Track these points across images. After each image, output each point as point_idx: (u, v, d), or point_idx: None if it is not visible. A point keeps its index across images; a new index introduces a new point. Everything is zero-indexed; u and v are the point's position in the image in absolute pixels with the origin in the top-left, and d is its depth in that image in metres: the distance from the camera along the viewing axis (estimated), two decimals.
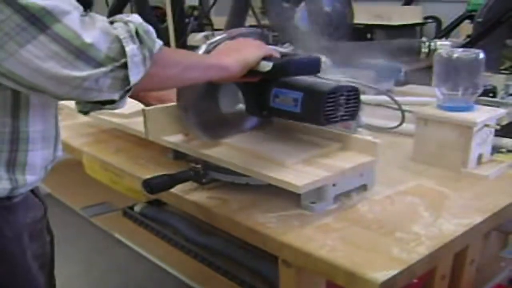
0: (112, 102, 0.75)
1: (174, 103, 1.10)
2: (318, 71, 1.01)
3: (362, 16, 3.01)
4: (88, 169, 1.40)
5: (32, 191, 0.88)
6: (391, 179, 1.11)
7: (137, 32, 0.72)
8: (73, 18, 0.66)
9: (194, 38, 2.39)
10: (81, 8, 0.69)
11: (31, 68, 0.66)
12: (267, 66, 0.93)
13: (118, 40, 0.70)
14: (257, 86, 1.00)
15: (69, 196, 2.62)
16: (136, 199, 2.14)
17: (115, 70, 0.70)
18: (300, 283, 0.93)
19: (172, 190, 1.06)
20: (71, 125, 1.58)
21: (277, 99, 1.01)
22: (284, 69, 0.95)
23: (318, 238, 0.88)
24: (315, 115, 0.97)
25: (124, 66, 0.70)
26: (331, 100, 0.96)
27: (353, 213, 0.98)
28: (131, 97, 1.37)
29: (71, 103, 1.61)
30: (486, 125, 1.15)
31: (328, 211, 0.98)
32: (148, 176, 1.04)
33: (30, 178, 0.83)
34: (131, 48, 0.71)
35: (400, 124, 1.30)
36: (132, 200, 2.22)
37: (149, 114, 1.12)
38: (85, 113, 0.88)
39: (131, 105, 1.41)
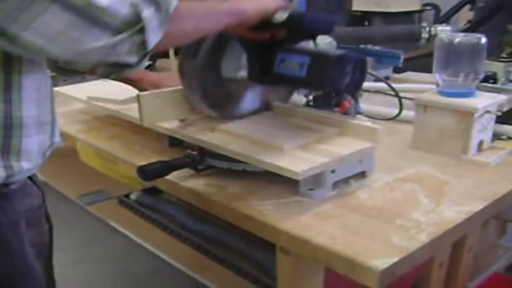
0: (130, 65, 0.74)
1: (170, 88, 1.08)
2: (331, 31, 0.99)
3: (359, 2, 2.97)
4: (82, 156, 1.38)
5: (30, 178, 0.86)
6: (391, 166, 1.09)
7: None
8: None
9: None
10: None
11: (49, 39, 0.66)
12: (282, 16, 0.91)
13: (133, 4, 0.68)
14: (263, 49, 0.98)
15: (65, 184, 2.59)
16: (132, 187, 2.13)
17: (133, 35, 0.69)
18: (298, 271, 0.92)
19: (168, 177, 1.04)
20: (65, 112, 1.56)
21: (282, 64, 0.99)
22: (300, 20, 0.93)
23: (316, 225, 0.87)
24: (321, 78, 0.95)
25: (141, 30, 0.69)
26: (338, 66, 0.95)
27: (352, 200, 0.96)
28: (124, 81, 1.34)
29: (66, 90, 1.60)
30: (487, 111, 1.13)
31: (326, 198, 0.96)
32: (143, 163, 1.02)
33: (26, 165, 0.80)
34: (147, 12, 0.69)
35: (399, 114, 1.29)
36: (128, 188, 2.20)
37: (144, 99, 1.10)
38: (107, 76, 0.87)
39: (126, 91, 1.39)
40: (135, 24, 0.68)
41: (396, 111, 1.32)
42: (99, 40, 0.67)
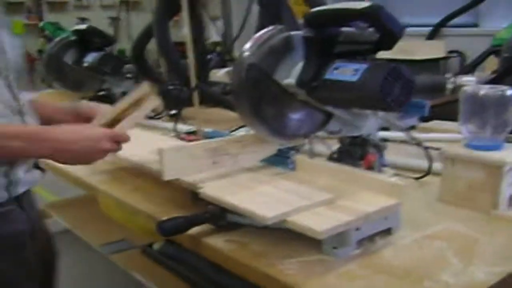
0: None
1: (191, 143, 1.07)
2: (401, 35, 1.01)
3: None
4: (103, 207, 1.38)
5: (21, 206, 0.97)
6: (418, 221, 1.06)
7: None
8: None
9: (216, 74, 2.39)
10: None
11: None
12: (362, 4, 0.97)
13: None
14: (321, 56, 1.03)
15: (88, 232, 2.59)
16: (152, 238, 2.11)
17: None
18: None
19: (188, 232, 1.02)
20: None
21: (336, 70, 1.01)
22: (377, 11, 0.96)
23: (341, 286, 0.83)
24: (373, 83, 0.95)
25: None
26: (393, 75, 0.95)
27: (378, 259, 0.92)
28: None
29: None
30: None
31: (351, 257, 0.93)
32: (164, 217, 1.01)
33: None
34: None
35: (428, 172, 1.25)
36: (151, 237, 2.19)
37: (165, 154, 1.09)
38: None
39: (152, 142, 1.39)
40: None
41: (423, 162, 1.29)
42: None
